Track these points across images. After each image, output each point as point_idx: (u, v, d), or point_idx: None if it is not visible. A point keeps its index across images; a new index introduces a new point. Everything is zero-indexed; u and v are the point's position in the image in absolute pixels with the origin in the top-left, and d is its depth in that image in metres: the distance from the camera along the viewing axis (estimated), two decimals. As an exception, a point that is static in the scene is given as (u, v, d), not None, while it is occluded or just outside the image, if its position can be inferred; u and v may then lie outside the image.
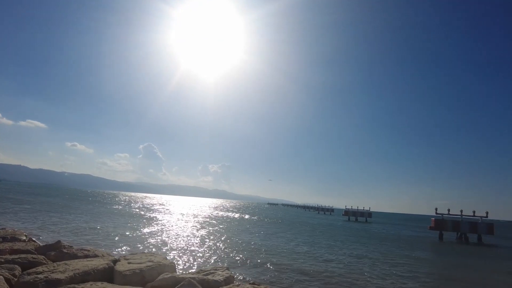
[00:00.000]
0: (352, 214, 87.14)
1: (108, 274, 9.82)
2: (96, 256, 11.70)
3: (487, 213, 40.06)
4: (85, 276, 9.01)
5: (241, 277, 13.51)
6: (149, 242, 21.39)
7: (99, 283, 8.41)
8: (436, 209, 41.43)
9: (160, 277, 9.66)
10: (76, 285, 7.99)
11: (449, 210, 41.03)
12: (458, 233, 40.95)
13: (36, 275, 8.48)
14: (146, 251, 17.20)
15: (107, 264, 10.15)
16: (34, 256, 10.52)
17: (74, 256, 11.32)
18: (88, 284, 8.21)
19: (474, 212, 40.41)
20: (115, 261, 10.84)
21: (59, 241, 12.68)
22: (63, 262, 9.92)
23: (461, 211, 40.49)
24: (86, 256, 11.49)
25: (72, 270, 8.99)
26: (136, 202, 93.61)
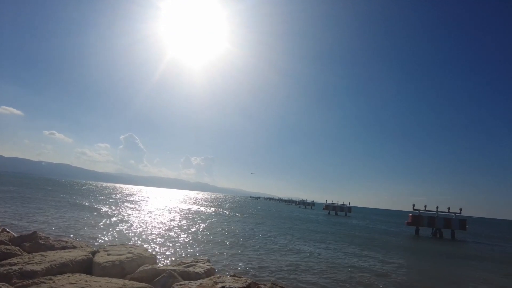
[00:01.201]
0: (332, 209, 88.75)
1: (86, 265, 9.65)
2: (74, 247, 11.45)
3: (460, 209, 41.57)
4: (63, 268, 8.81)
5: (222, 269, 13.55)
6: (129, 234, 21.11)
7: (77, 275, 8.25)
8: (413, 205, 42.67)
9: (140, 268, 9.58)
10: (52, 277, 7.80)
11: (425, 206, 42.33)
12: (433, 229, 42.33)
13: (10, 267, 8.23)
14: (126, 242, 16.96)
15: (86, 255, 9.96)
16: (8, 247, 10.17)
17: (51, 248, 11.04)
18: (65, 276, 8.03)
19: (449, 208, 41.86)
20: (94, 253, 10.66)
21: (35, 232, 12.30)
22: (39, 253, 9.66)
23: (437, 207, 41.87)
24: (64, 248, 11.22)
25: (48, 262, 8.77)
26: (115, 193, 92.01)
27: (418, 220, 42.03)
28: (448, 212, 41.83)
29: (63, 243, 11.65)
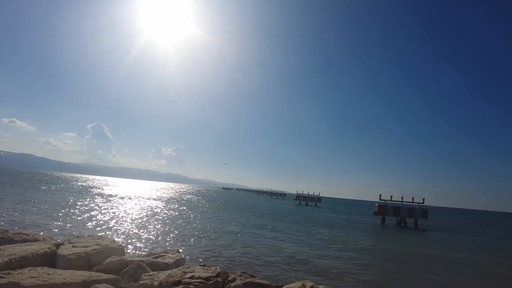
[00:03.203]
0: (303, 199, 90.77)
1: (50, 258, 9.27)
2: (36, 240, 10.96)
3: (423, 199, 43.87)
4: (23, 262, 8.41)
5: (192, 260, 13.55)
6: (97, 225, 20.51)
7: (39, 268, 7.90)
8: (380, 195, 44.37)
9: (107, 260, 9.36)
10: (11, 271, 7.43)
11: (391, 196, 44.14)
12: (398, 218, 44.32)
13: (-36, 261, 7.76)
14: (93, 234, 16.47)
15: (49, 248, 9.56)
16: (-38, 241, 9.58)
17: (11, 241, 10.50)
18: (26, 270, 7.67)
19: (413, 198, 43.99)
20: (58, 245, 10.28)
21: (-8, 225, 11.64)
22: (-3, 247, 9.16)
23: (402, 197, 43.81)
24: (25, 241, 10.71)
25: (7, 256, 8.35)
26: (82, 184, 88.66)
27: (384, 210, 43.80)
28: (412, 202, 43.98)
29: (24, 236, 11.12)
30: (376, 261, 17.52)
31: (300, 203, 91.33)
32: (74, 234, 16.40)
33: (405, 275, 14.65)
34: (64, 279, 7.39)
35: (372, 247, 22.32)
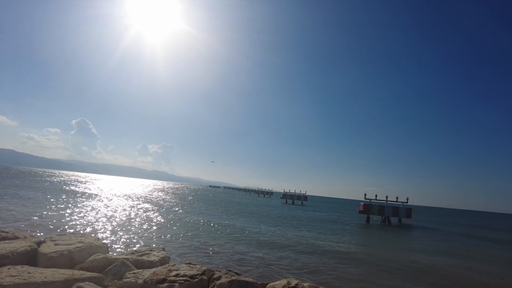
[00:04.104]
0: (289, 197, 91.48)
1: (30, 257, 9.04)
2: (16, 238, 10.66)
3: (407, 199, 44.82)
4: (2, 260, 8.19)
5: (177, 258, 13.48)
6: (80, 223, 20.15)
7: (18, 267, 7.70)
8: (365, 194, 45.15)
9: (91, 258, 9.19)
10: (-10, 270, 7.23)
11: (376, 195, 44.92)
12: (382, 217, 45.12)
13: None
14: (76, 232, 16.16)
15: (30, 246, 9.32)
16: None
17: (-11, 239, 10.20)
18: (5, 269, 7.47)
19: (397, 198, 44.87)
20: (39, 243, 10.02)
21: (-30, 222, 11.29)
22: (-26, 245, 8.88)
23: (387, 197, 44.66)
24: (4, 239, 10.41)
25: (-15, 254, 8.11)
26: (65, 181, 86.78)
27: (369, 208, 44.53)
28: (396, 201, 44.86)
29: (3, 234, 10.81)
30: (358, 260, 17.81)
31: (286, 201, 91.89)
32: (56, 232, 16.08)
33: (384, 276, 14.95)
34: (45, 277, 7.22)
35: (355, 247, 22.67)
